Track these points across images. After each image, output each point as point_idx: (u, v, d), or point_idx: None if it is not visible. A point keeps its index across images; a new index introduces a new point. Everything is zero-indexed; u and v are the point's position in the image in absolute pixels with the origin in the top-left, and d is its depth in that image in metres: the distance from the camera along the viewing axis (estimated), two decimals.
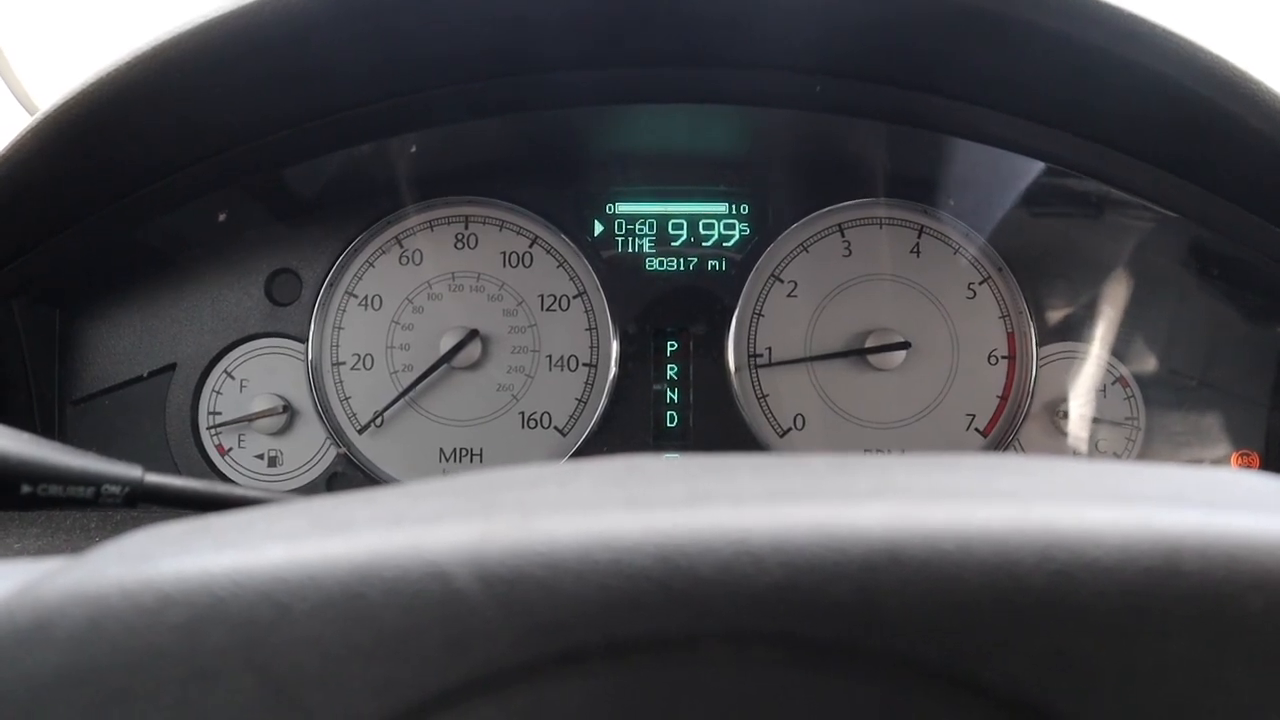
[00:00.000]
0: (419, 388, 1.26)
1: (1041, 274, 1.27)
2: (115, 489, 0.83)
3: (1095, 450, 1.27)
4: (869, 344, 1.25)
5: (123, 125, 1.03)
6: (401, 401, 1.26)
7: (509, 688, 0.34)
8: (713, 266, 1.28)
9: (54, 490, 0.81)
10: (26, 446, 0.81)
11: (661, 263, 1.28)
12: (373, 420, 1.26)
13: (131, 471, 0.84)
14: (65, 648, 0.35)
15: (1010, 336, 1.27)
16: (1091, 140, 1.11)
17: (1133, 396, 1.27)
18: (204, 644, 0.34)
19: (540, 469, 0.45)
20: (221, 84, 1.02)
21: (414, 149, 1.23)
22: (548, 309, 1.27)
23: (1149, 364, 1.27)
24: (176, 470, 1.23)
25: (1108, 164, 1.13)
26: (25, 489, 0.80)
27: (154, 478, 0.84)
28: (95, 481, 0.83)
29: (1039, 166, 1.20)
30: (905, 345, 1.24)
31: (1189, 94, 0.94)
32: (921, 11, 0.98)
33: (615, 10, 1.04)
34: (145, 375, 1.24)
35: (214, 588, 0.35)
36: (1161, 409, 1.26)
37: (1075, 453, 1.27)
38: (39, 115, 1.01)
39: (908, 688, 0.33)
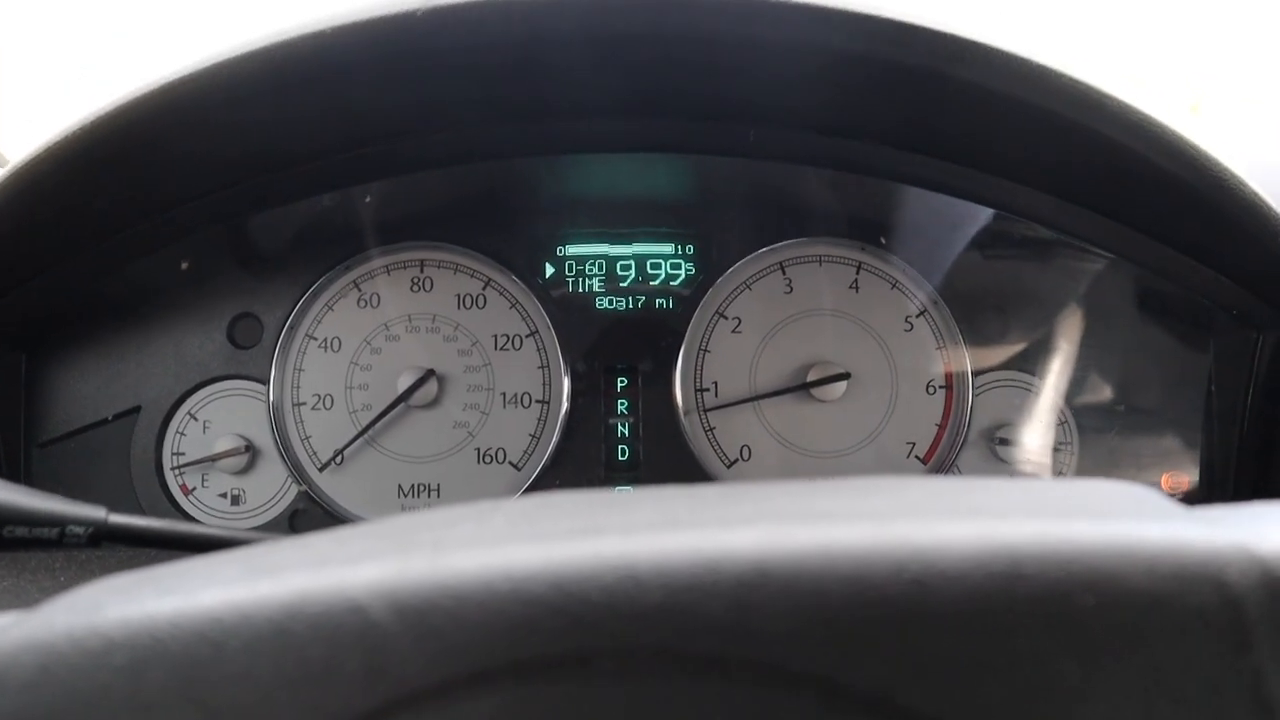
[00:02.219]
0: (377, 426, 1.30)
1: (976, 306, 1.32)
2: (79, 529, 0.87)
3: (1031, 475, 1.31)
4: (811, 376, 1.29)
5: (91, 180, 1.07)
6: (361, 440, 1.30)
7: (425, 707, 0.38)
8: (660, 304, 1.33)
9: (19, 532, 0.85)
10: None
11: (611, 301, 1.33)
12: (333, 458, 1.30)
13: (96, 512, 0.87)
14: (20, 692, 0.39)
15: (947, 367, 1.32)
16: (1022, 184, 1.17)
17: (1066, 422, 1.32)
18: (146, 682, 0.38)
19: (465, 509, 0.50)
20: (189, 139, 1.06)
21: (368, 199, 1.27)
22: (501, 348, 1.31)
23: (1082, 391, 1.32)
24: (141, 510, 1.26)
25: (1039, 206, 1.18)
26: None
27: (118, 518, 0.88)
28: (59, 522, 0.86)
29: (973, 208, 1.25)
30: (845, 376, 1.29)
31: (1105, 141, 1.00)
32: (852, 68, 1.04)
33: (564, 66, 1.09)
34: (110, 418, 1.28)
35: (154, 631, 0.39)
36: (1095, 434, 1.31)
37: (1012, 477, 1.31)
38: (8, 170, 1.05)
39: (781, 695, 0.37)
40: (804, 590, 0.38)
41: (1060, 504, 0.46)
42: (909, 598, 0.38)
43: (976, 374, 1.32)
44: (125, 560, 1.03)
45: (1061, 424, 1.32)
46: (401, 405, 1.29)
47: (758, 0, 0.96)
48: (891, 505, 0.45)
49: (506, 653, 0.37)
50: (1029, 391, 1.32)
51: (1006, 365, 1.32)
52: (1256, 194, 1.03)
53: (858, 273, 1.32)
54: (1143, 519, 0.42)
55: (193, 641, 0.38)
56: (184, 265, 1.27)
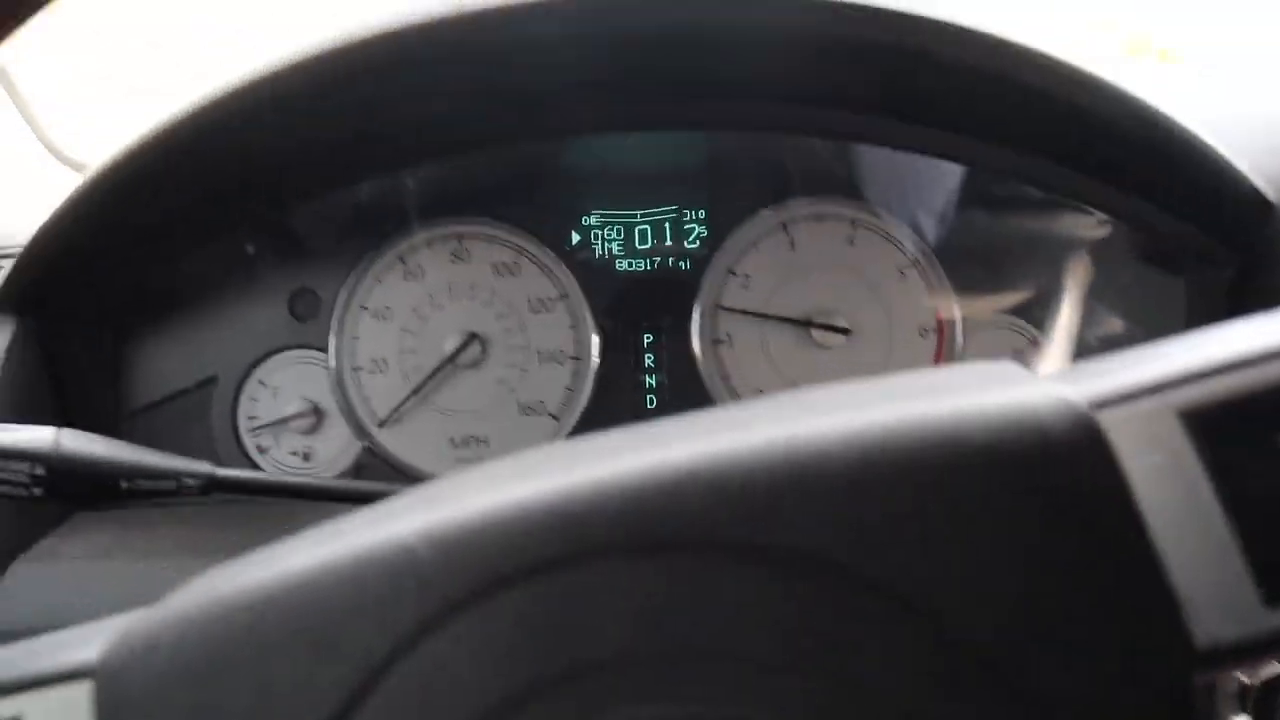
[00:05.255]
0: (428, 386, 1.45)
1: (964, 255, 1.45)
2: (192, 482, 1.03)
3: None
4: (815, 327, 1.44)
5: (168, 178, 1.22)
6: (414, 399, 1.45)
7: (464, 611, 0.50)
8: (675, 265, 1.47)
9: (145, 484, 1.01)
10: (121, 451, 1.00)
11: (631, 264, 1.47)
12: (389, 416, 1.45)
13: (204, 467, 1.03)
14: (172, 652, 0.52)
15: (938, 312, 1.46)
16: (994, 143, 1.31)
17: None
18: (265, 628, 0.51)
19: (492, 464, 0.61)
20: (254, 138, 1.22)
21: (409, 183, 1.43)
22: (535, 311, 1.46)
23: (1064, 333, 1.45)
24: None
25: (1010, 162, 1.32)
26: (124, 484, 1.00)
27: (222, 472, 1.04)
28: (175, 477, 1.02)
29: (951, 167, 1.40)
30: (845, 331, 1.43)
31: (1056, 97, 1.14)
32: (846, 54, 1.18)
33: (580, 62, 1.24)
34: (193, 388, 1.43)
35: (264, 591, 0.52)
36: None
37: None
38: (94, 174, 1.20)
39: (723, 564, 0.50)
40: (721, 483, 0.50)
41: (935, 386, 0.55)
42: (803, 476, 0.50)
43: (966, 317, 1.45)
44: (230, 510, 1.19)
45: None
46: (449, 366, 1.44)
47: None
48: (796, 411, 0.56)
49: (512, 563, 0.50)
50: (1014, 333, 1.46)
51: (993, 309, 1.46)
52: (1190, 132, 1.13)
53: (854, 229, 1.46)
54: (994, 388, 0.52)
55: (294, 593, 0.52)
56: (250, 249, 1.42)
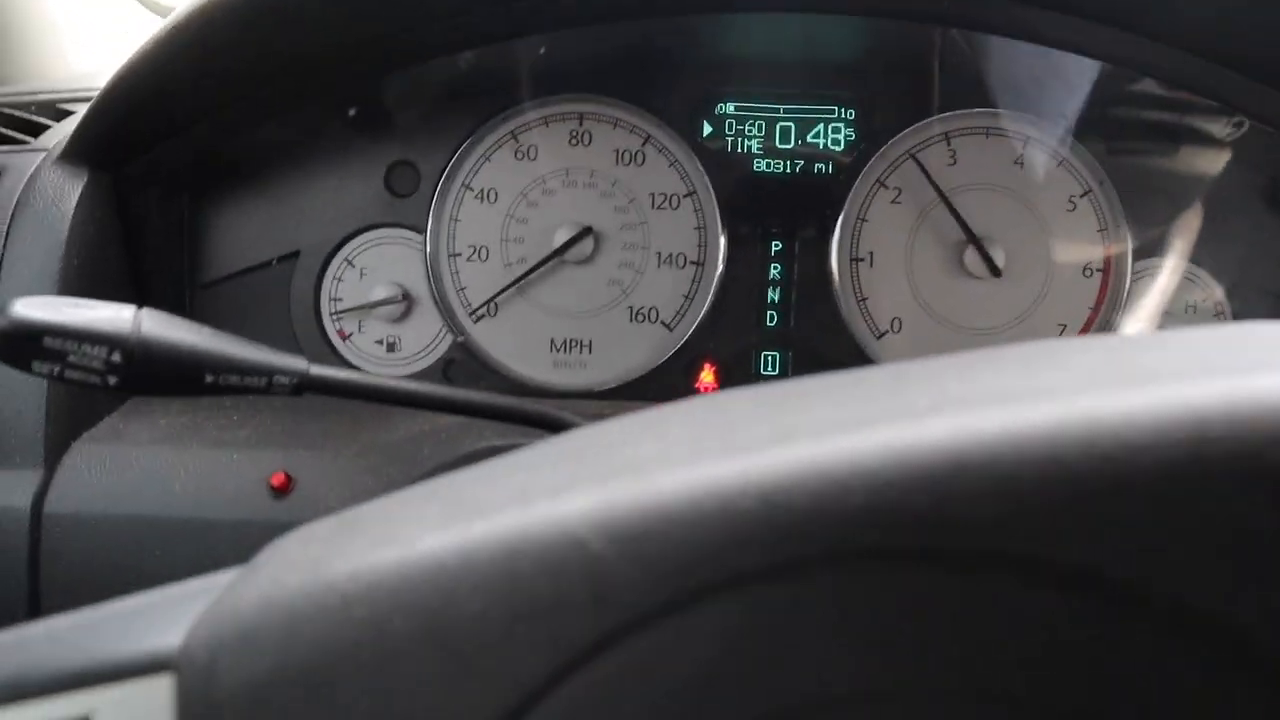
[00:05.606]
0: (531, 279, 1.31)
1: (1142, 189, 1.29)
2: (285, 380, 0.91)
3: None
4: (968, 253, 1.28)
5: (260, 30, 1.07)
6: (514, 292, 1.31)
7: (650, 627, 0.39)
8: (819, 169, 1.31)
9: (232, 380, 0.88)
10: (209, 341, 0.88)
11: (769, 164, 1.31)
12: (485, 305, 1.31)
13: (298, 364, 0.91)
14: (274, 652, 0.41)
15: (1107, 251, 1.29)
16: (1198, 56, 1.14)
17: (1223, 314, 1.30)
18: (390, 631, 0.40)
19: (634, 421, 0.49)
20: None
21: (529, 49, 1.26)
22: (658, 207, 1.31)
23: (1241, 283, 1.29)
24: (302, 353, 1.29)
25: (1214, 80, 1.15)
26: (209, 378, 0.87)
27: (317, 370, 0.91)
28: (267, 373, 0.90)
29: (1147, 81, 1.22)
30: (997, 273, 1.28)
31: None
32: None
33: None
34: (274, 262, 1.30)
35: (384, 583, 0.41)
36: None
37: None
38: (176, 17, 1.05)
39: (986, 577, 0.38)
40: (1000, 477, 0.38)
41: (1236, 355, 0.44)
42: (1102, 473, 0.38)
43: (1136, 259, 1.29)
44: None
45: (1218, 315, 1.30)
46: (556, 260, 1.30)
47: None
48: (1068, 378, 0.44)
49: (720, 569, 0.39)
50: (1187, 280, 1.30)
51: (1168, 252, 1.30)
52: None
53: (1024, 147, 1.29)
54: None
55: (426, 589, 0.40)
56: (351, 112, 1.27)
